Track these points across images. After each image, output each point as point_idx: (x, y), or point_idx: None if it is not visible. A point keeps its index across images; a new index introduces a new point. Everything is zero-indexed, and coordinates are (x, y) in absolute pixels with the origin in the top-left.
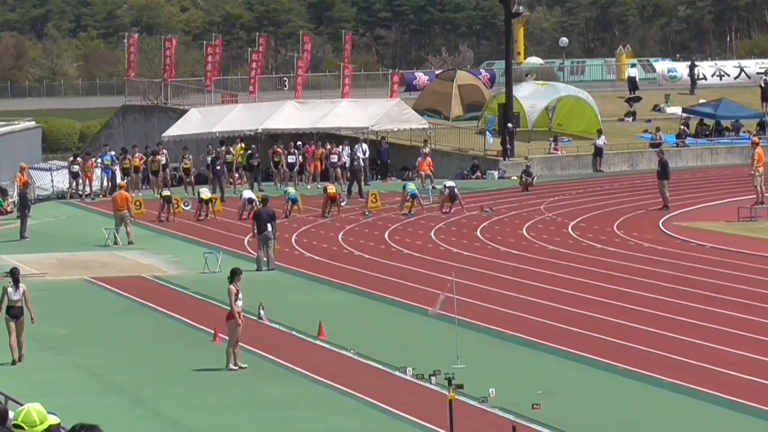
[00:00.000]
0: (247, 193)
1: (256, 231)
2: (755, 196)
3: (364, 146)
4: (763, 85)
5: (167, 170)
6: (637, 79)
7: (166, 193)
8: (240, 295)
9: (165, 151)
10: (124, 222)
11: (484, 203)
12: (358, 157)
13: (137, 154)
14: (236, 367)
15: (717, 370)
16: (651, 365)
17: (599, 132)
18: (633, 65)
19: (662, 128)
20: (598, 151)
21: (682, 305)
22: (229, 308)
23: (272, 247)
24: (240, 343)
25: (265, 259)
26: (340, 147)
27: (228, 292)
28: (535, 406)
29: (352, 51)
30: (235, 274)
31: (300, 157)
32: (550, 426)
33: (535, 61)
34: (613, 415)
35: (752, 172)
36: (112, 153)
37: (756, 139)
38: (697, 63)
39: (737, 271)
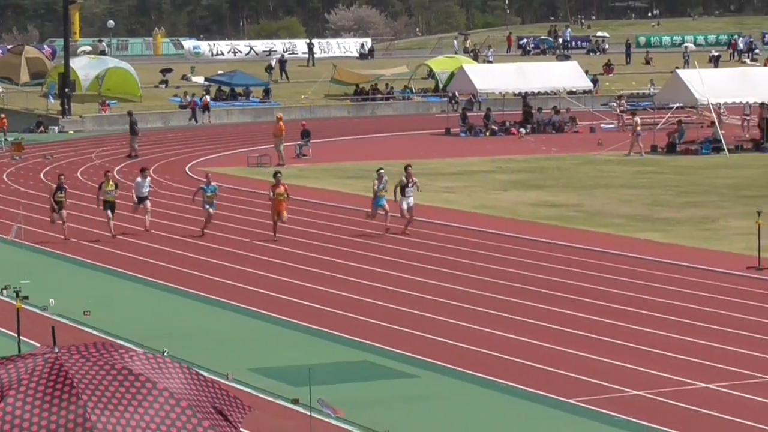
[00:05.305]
0: None
1: None
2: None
3: None
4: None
5: None
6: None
7: None
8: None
9: None
10: None
11: (46, 152)
12: None
13: None
14: None
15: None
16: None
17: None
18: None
19: (189, 93)
20: (206, 107)
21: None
22: None
23: None
24: None
25: None
26: None
27: None
28: (86, 312)
29: None
30: None
31: None
32: (99, 328)
33: (86, 49)
34: (160, 326)
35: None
36: None
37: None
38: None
39: (244, 206)
